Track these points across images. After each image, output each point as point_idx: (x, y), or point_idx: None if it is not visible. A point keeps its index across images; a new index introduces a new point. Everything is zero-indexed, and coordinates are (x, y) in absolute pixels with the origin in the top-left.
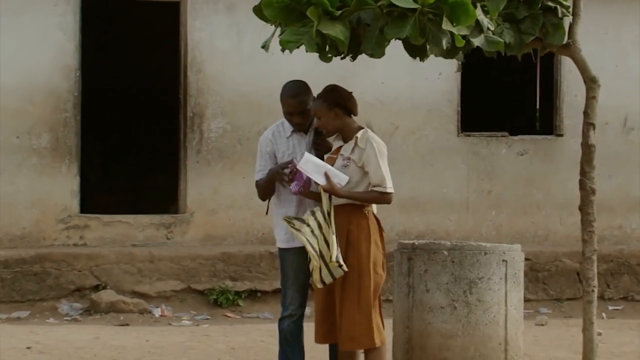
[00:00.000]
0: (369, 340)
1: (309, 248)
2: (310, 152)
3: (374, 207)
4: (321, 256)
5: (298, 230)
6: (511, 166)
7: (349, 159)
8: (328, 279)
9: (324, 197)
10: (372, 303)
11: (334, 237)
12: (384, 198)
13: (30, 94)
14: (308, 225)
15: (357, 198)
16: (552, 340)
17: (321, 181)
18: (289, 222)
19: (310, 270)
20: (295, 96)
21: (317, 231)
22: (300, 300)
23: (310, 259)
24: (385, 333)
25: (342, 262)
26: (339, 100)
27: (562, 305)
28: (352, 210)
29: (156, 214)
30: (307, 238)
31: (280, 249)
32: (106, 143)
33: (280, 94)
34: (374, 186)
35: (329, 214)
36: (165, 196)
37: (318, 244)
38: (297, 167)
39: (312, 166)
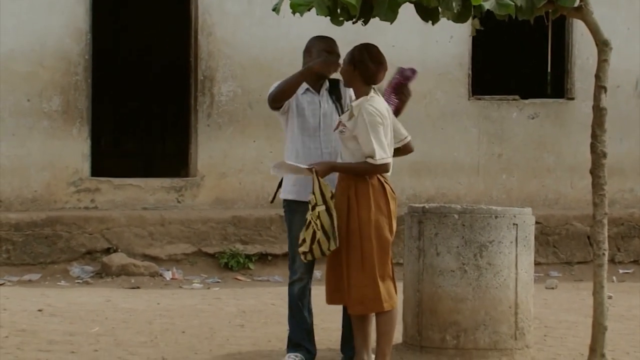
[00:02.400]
0: (377, 304)
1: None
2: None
3: None
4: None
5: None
6: (522, 130)
7: (345, 126)
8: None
9: (318, 183)
10: (380, 267)
11: (331, 224)
12: (376, 169)
13: (41, 57)
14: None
15: (352, 170)
16: (562, 304)
17: (306, 168)
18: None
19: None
20: (330, 39)
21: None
22: (308, 264)
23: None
24: (396, 297)
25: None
26: (358, 63)
27: (573, 268)
28: (352, 176)
29: (167, 178)
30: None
31: (287, 202)
32: (117, 106)
33: (310, 42)
34: (366, 157)
35: (322, 194)
36: (175, 160)
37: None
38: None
39: (285, 169)
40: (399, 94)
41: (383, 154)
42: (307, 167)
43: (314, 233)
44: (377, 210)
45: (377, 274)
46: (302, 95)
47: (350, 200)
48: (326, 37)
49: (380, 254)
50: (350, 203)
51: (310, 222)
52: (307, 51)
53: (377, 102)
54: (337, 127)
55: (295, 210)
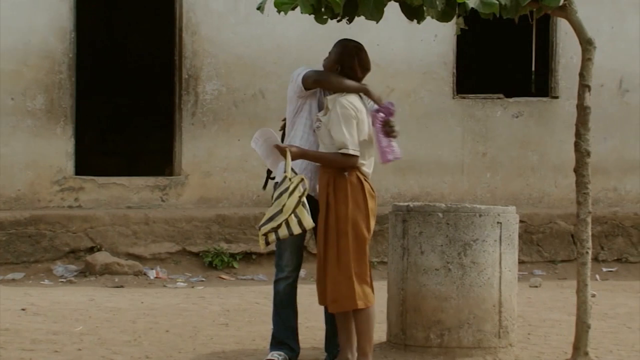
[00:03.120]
0: (350, 302)
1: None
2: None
3: (366, 169)
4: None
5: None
6: (506, 128)
7: (320, 121)
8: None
9: (287, 160)
10: (356, 265)
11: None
12: (346, 160)
13: (25, 56)
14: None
15: (322, 160)
16: (546, 302)
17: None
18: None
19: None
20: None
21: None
22: (296, 262)
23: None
24: (372, 295)
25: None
26: (344, 64)
27: (556, 267)
28: (332, 172)
29: (151, 176)
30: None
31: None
32: (102, 104)
33: (346, 49)
34: (338, 149)
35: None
36: (160, 158)
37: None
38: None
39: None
40: (388, 133)
41: (353, 147)
42: (283, 145)
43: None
44: (354, 207)
45: (353, 271)
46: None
47: (329, 196)
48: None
49: (357, 252)
50: (329, 199)
51: (298, 196)
52: (340, 55)
53: (354, 98)
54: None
55: None
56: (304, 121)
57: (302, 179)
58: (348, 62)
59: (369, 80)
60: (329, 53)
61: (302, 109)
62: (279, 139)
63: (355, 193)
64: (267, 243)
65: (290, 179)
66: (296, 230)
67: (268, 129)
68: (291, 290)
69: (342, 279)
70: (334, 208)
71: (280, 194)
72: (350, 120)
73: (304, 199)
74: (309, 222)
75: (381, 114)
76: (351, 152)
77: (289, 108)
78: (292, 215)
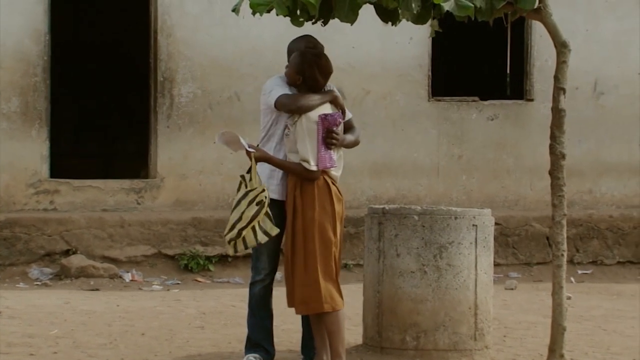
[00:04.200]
0: (317, 305)
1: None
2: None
3: (333, 172)
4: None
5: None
6: (482, 131)
7: (288, 129)
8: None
9: (253, 164)
10: (323, 268)
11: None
12: (307, 173)
13: (0, 58)
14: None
15: (285, 168)
16: (521, 305)
17: (246, 147)
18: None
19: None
20: (310, 37)
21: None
22: (272, 265)
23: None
24: (339, 299)
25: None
26: (307, 75)
27: (532, 269)
28: (299, 176)
29: (126, 179)
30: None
31: None
32: (77, 106)
33: (293, 44)
34: (301, 160)
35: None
36: (135, 161)
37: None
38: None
39: (228, 139)
40: (328, 143)
41: (313, 162)
42: (247, 146)
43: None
44: (321, 211)
45: (320, 274)
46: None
47: (296, 199)
48: (306, 36)
49: (324, 255)
50: (296, 202)
51: (260, 201)
52: (291, 52)
53: (324, 108)
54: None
55: None
56: (281, 132)
57: (264, 190)
58: (309, 73)
59: (346, 81)
60: (289, 61)
61: (277, 120)
62: (243, 141)
63: (322, 196)
64: (236, 251)
65: (246, 185)
66: (262, 238)
67: (226, 131)
68: (267, 292)
69: (310, 282)
70: (301, 211)
71: (239, 201)
72: (314, 135)
73: (268, 209)
74: (274, 230)
75: (327, 122)
76: (312, 167)
77: (263, 119)
78: (257, 225)
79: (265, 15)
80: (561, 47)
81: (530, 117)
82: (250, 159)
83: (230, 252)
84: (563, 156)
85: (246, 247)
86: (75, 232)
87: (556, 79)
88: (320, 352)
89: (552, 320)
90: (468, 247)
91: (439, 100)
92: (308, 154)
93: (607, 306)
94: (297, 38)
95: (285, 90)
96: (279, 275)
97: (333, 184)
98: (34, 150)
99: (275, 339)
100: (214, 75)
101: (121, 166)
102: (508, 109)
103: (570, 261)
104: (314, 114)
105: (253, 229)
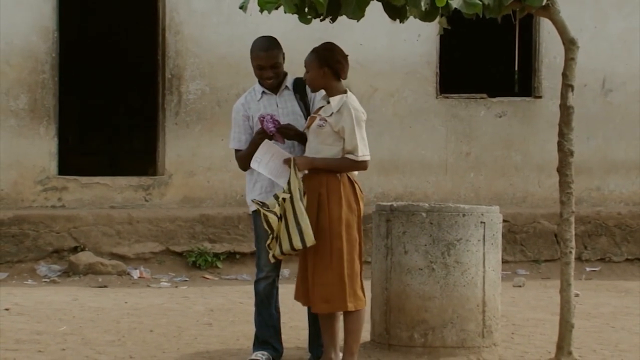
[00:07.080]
0: (341, 303)
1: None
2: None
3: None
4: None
5: (267, 214)
6: (490, 128)
7: (325, 120)
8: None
9: (293, 174)
10: (348, 266)
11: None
12: (357, 165)
13: (8, 56)
14: (275, 214)
15: (332, 167)
16: (529, 302)
17: (288, 156)
18: (259, 205)
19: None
20: (266, 50)
21: (287, 216)
22: (275, 262)
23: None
24: (362, 297)
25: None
26: (330, 61)
27: (540, 266)
28: (324, 173)
29: (135, 176)
30: (272, 224)
31: (254, 212)
32: (84, 104)
33: (250, 50)
34: (347, 153)
35: (299, 190)
36: (143, 158)
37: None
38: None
39: (268, 150)
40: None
41: (365, 151)
42: (288, 156)
43: (279, 226)
44: (347, 209)
45: (345, 273)
46: (259, 101)
47: (321, 197)
48: (263, 43)
49: (349, 253)
50: (321, 200)
51: (281, 215)
52: (251, 57)
53: (356, 100)
54: (310, 124)
55: (258, 219)
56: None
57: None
58: (333, 58)
59: (354, 79)
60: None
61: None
62: (286, 152)
63: (348, 194)
64: (275, 258)
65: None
66: (297, 245)
67: (270, 143)
68: (271, 289)
69: (335, 280)
70: (327, 209)
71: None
72: (361, 124)
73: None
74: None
75: (269, 126)
76: (360, 158)
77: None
78: (295, 229)
79: (273, 12)
80: (569, 44)
81: (539, 114)
82: (291, 167)
83: (270, 258)
84: (571, 153)
85: (282, 253)
86: (83, 229)
87: (564, 76)
88: (328, 350)
89: (560, 317)
90: (476, 244)
91: (447, 98)
92: (357, 144)
93: (615, 303)
94: (254, 44)
95: (239, 130)
96: (287, 272)
97: (355, 181)
98: (42, 148)
99: (283, 336)
100: (221, 73)
101: (127, 163)
102: (516, 106)
103: (579, 258)
104: (356, 102)
105: (290, 235)
